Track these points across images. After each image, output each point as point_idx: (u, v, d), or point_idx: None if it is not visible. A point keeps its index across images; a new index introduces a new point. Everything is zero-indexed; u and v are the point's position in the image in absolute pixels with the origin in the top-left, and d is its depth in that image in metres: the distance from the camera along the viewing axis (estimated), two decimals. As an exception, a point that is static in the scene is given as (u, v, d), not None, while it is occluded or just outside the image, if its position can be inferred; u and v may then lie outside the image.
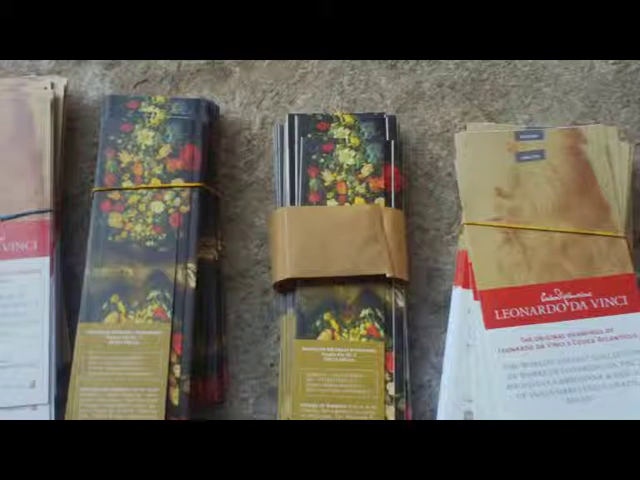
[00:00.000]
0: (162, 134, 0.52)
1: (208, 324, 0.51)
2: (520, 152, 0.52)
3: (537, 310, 0.48)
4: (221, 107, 0.57)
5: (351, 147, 0.53)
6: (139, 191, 0.51)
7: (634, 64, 0.59)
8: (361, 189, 0.52)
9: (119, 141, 0.52)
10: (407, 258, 0.51)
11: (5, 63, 0.59)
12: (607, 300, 0.48)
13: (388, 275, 0.49)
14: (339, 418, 0.46)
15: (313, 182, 0.52)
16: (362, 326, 0.49)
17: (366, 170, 0.52)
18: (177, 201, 0.51)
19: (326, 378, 0.47)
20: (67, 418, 0.46)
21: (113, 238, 0.50)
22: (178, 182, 0.51)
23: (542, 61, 0.59)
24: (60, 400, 0.47)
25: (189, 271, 0.49)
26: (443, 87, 0.59)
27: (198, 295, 0.49)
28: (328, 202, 0.51)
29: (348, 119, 0.54)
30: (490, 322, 0.48)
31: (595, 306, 0.48)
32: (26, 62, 0.59)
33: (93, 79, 0.59)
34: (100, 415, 0.45)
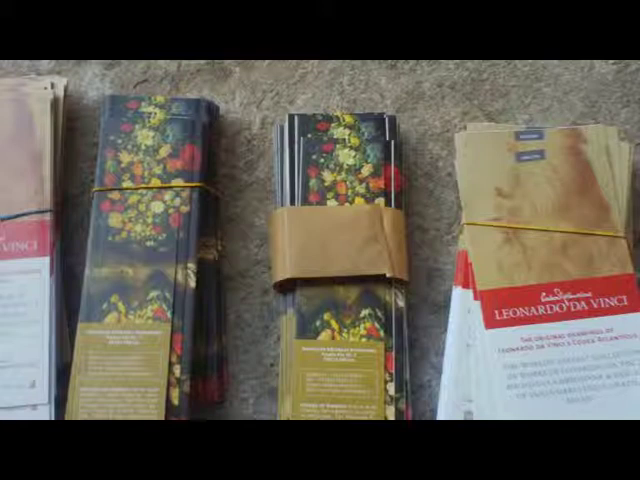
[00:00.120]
0: (162, 134, 0.52)
1: (208, 324, 0.51)
2: (520, 152, 0.52)
3: (537, 310, 0.48)
4: (221, 107, 0.57)
5: (351, 147, 0.53)
6: (139, 191, 0.51)
7: (634, 64, 0.59)
8: (361, 189, 0.52)
9: (119, 141, 0.52)
10: (407, 258, 0.51)
11: (5, 63, 0.59)
12: (607, 300, 0.48)
13: (388, 275, 0.49)
14: (339, 418, 0.46)
15: (313, 182, 0.52)
16: (362, 326, 0.49)
17: (366, 170, 0.52)
18: (177, 201, 0.51)
19: (326, 378, 0.47)
20: (67, 418, 0.46)
21: (113, 238, 0.50)
22: (178, 182, 0.51)
23: (542, 61, 0.59)
24: (60, 400, 0.47)
25: (189, 271, 0.49)
26: (443, 87, 0.59)
27: (198, 295, 0.49)
28: (328, 202, 0.51)
29: (348, 119, 0.54)
30: (490, 322, 0.48)
31: (595, 306, 0.48)
32: (26, 62, 0.59)
33: (93, 79, 0.59)
34: (100, 415, 0.45)
